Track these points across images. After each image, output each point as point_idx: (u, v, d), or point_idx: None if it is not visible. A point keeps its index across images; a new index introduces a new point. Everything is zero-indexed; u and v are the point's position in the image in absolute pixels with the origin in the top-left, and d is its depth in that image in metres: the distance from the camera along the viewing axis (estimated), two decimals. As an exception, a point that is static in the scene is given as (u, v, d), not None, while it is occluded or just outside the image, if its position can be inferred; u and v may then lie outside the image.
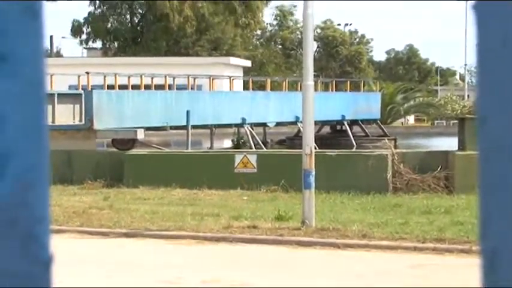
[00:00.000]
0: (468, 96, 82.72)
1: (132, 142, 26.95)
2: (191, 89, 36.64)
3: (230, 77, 40.74)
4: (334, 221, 15.48)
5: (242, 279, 11.17)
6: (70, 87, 32.05)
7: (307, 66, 15.57)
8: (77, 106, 26.60)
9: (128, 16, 67.31)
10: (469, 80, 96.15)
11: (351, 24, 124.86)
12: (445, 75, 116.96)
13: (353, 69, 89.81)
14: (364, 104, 48.67)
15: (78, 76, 30.51)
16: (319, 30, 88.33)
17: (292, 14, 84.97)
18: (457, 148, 21.75)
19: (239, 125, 38.01)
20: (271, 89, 42.93)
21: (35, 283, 0.77)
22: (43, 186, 0.78)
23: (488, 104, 0.79)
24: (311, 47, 15.95)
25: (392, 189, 20.31)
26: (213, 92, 37.84)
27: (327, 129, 49.01)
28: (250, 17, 65.84)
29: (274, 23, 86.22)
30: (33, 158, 0.78)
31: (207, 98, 35.48)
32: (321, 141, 36.04)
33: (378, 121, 50.71)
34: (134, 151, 24.36)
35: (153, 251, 13.61)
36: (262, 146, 36.90)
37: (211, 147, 37.58)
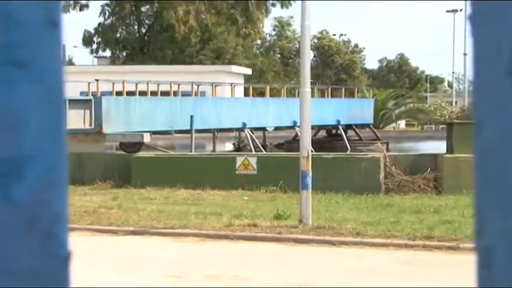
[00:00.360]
0: (456, 102, 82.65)
1: (139, 145, 26.91)
2: (195, 95, 36.60)
3: (232, 84, 40.72)
4: (330, 219, 15.48)
5: (242, 274, 11.17)
6: (81, 93, 32.01)
7: (304, 74, 15.57)
8: (87, 111, 26.58)
9: (136, 27, 67.30)
10: (457, 87, 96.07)
11: (345, 35, 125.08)
12: (434, 82, 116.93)
13: (347, 76, 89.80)
14: (358, 109, 48.65)
15: (89, 83, 30.49)
16: (315, 40, 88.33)
17: (289, 24, 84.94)
18: (445, 151, 21.75)
19: (240, 129, 38.00)
20: (270, 96, 42.92)
21: (55, 279, 0.77)
22: (62, 186, 0.78)
23: (484, 109, 0.79)
24: (308, 56, 15.95)
25: (385, 190, 20.31)
26: (216, 98, 37.82)
27: (323, 133, 48.97)
28: (251, 28, 65.81)
29: (273, 33, 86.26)
30: (53, 160, 0.77)
31: (210, 104, 35.47)
32: (317, 144, 36.05)
33: (371, 126, 50.69)
34: (141, 154, 24.34)
35: (158, 248, 13.60)
36: (262, 149, 36.86)
37: (213, 150, 37.55)
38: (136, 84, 32.36)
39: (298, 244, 13.78)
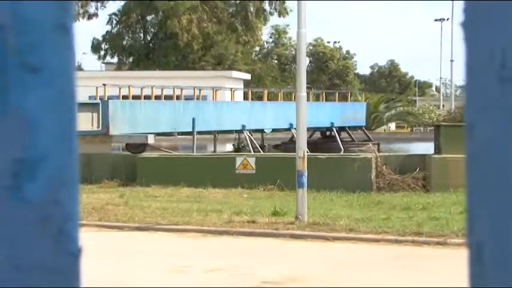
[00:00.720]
0: (443, 105, 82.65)
1: (144, 146, 26.91)
2: (197, 99, 36.60)
3: (231, 89, 40.71)
4: (324, 216, 15.47)
5: (242, 267, 11.16)
6: (90, 97, 31.99)
7: (300, 79, 15.57)
8: (95, 114, 26.58)
9: (142, 34, 67.29)
10: (444, 92, 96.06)
11: (339, 42, 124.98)
12: (423, 87, 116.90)
13: (341, 81, 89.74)
14: (351, 112, 48.66)
15: (97, 88, 30.49)
16: (311, 47, 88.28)
17: (285, 32, 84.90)
18: (433, 152, 21.75)
19: (239, 131, 37.99)
20: (268, 99, 42.95)
21: (66, 274, 0.76)
22: (73, 185, 0.77)
23: (475, 112, 0.78)
24: (304, 62, 15.95)
25: (376, 188, 20.31)
26: (216, 102, 37.81)
27: (317, 135, 48.96)
28: (250, 35, 65.85)
29: (271, 40, 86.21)
30: (65, 160, 0.77)
31: (211, 107, 35.46)
32: (313, 145, 36.01)
33: (363, 128, 50.68)
34: (146, 154, 24.33)
35: (163, 243, 13.59)
36: (260, 150, 36.86)
37: (214, 151, 37.56)
38: (141, 89, 32.37)
39: (295, 239, 13.77)
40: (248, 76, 56.59)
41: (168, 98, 34.17)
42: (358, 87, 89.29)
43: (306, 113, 15.68)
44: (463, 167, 0.81)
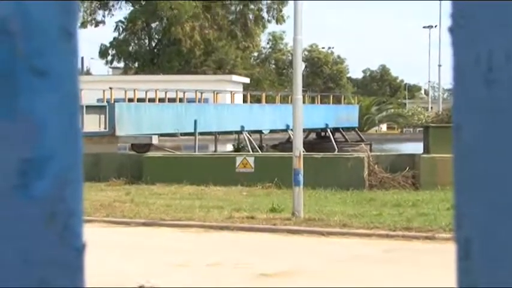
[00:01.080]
0: (431, 108, 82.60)
1: (148, 146, 26.91)
2: (198, 101, 36.60)
3: (231, 92, 40.71)
4: (319, 212, 15.47)
5: (242, 260, 11.16)
6: (98, 100, 31.98)
7: (296, 83, 15.57)
8: (102, 116, 26.58)
9: (147, 41, 67.26)
10: (432, 95, 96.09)
11: (333, 48, 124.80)
12: (412, 90, 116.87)
13: (335, 85, 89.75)
14: (345, 114, 48.66)
15: (104, 91, 30.49)
16: (306, 53, 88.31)
17: (282, 38, 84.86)
18: (422, 151, 21.76)
19: (239, 132, 37.98)
20: (266, 102, 42.90)
21: (70, 268, 0.76)
22: (78, 183, 0.77)
23: (463, 114, 0.78)
24: (300, 67, 15.96)
25: (368, 186, 20.32)
26: (217, 104, 37.81)
27: (313, 135, 48.97)
28: (249, 41, 65.85)
29: (268, 46, 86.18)
30: (70, 159, 0.76)
31: (212, 109, 35.45)
32: (308, 145, 36.02)
33: (356, 129, 50.69)
34: (151, 154, 24.33)
35: (166, 238, 13.59)
36: (259, 150, 36.84)
37: (215, 151, 37.55)
38: (146, 92, 32.37)
39: (291, 234, 13.78)
40: (247, 80, 56.57)
41: (172, 100, 34.16)
42: (351, 90, 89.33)
43: (302, 115, 15.69)
44: (451, 166, 0.81)
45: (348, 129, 50.02)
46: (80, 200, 0.77)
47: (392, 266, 10.85)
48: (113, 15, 67.42)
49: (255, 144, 38.34)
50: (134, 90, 31.12)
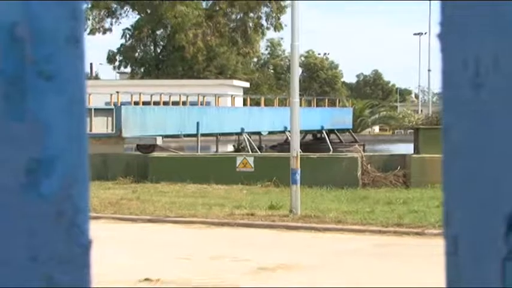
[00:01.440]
0: (421, 110, 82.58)
1: (153, 147, 26.88)
2: (201, 104, 36.59)
3: (232, 96, 40.71)
4: (315, 209, 15.47)
5: (242, 255, 11.16)
6: (105, 103, 31.95)
7: (293, 87, 15.57)
8: (110, 118, 26.56)
9: (152, 47, 67.28)
10: (422, 98, 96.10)
11: (328, 54, 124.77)
12: (403, 94, 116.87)
13: (330, 89, 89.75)
14: (339, 116, 48.66)
15: (111, 95, 30.47)
16: (303, 58, 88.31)
17: (280, 45, 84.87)
18: (412, 152, 21.75)
19: (239, 133, 37.97)
20: (265, 105, 42.90)
21: (77, 264, 0.75)
22: (84, 182, 0.77)
23: (451, 116, 0.77)
24: (297, 72, 15.96)
25: (362, 185, 20.31)
26: (218, 107, 37.80)
27: (309, 136, 48.95)
28: (249, 48, 65.86)
29: (267, 52, 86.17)
30: (76, 160, 0.76)
31: (214, 112, 35.45)
32: (305, 146, 35.97)
33: (350, 130, 50.70)
34: (156, 154, 24.32)
35: (171, 233, 13.59)
36: (258, 150, 36.82)
37: (217, 151, 37.53)
38: (151, 96, 32.37)
39: (289, 230, 13.78)
40: (247, 84, 56.59)
41: (175, 104, 34.15)
42: (345, 94, 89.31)
43: (299, 117, 15.68)
44: (440, 166, 0.80)
45: (342, 130, 50.02)
46: (86, 198, 0.76)
47: (384, 260, 10.84)
48: (120, 23, 67.56)
49: (254, 145, 38.33)
50: (140, 94, 31.12)
